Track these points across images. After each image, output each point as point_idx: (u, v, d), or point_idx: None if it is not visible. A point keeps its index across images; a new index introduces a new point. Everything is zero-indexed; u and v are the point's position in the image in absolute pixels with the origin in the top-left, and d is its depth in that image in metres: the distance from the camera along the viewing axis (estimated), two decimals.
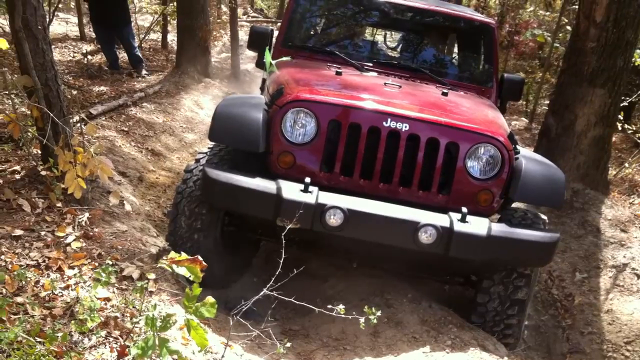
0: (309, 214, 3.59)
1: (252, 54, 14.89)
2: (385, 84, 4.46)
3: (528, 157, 4.11)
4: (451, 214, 3.74)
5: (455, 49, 6.72)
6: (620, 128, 8.25)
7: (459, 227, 3.64)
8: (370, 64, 5.16)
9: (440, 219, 3.69)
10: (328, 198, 3.65)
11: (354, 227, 3.65)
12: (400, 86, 4.47)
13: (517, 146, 4.12)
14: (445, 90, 4.58)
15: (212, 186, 3.80)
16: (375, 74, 4.97)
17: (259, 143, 3.87)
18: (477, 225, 3.69)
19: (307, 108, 3.90)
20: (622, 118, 7.98)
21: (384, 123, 3.84)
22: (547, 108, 7.97)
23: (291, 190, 3.64)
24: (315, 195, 3.63)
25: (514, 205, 4.38)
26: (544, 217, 4.33)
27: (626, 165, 7.99)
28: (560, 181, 4.05)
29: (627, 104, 8.85)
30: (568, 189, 6.34)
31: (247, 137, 3.90)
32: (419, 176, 3.91)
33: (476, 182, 3.94)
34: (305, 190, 3.64)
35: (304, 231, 3.67)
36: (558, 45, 11.99)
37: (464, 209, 3.74)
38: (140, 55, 11.30)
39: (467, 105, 4.59)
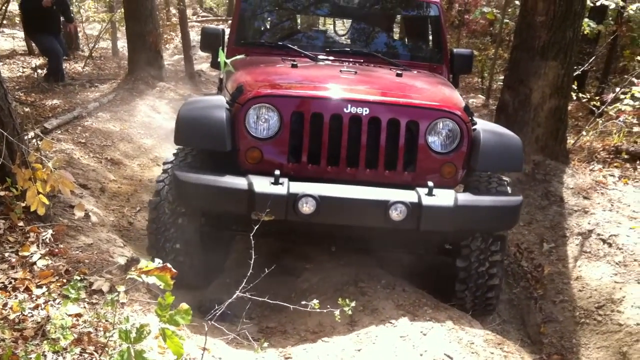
0: (282, 205, 3.69)
1: (205, 54, 14.80)
2: (341, 71, 4.55)
3: (485, 127, 4.25)
4: (418, 189, 3.88)
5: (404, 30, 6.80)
6: (575, 97, 8.37)
7: (426, 201, 3.78)
8: (324, 54, 5.23)
9: (409, 195, 3.82)
10: (299, 187, 3.75)
11: (327, 212, 3.75)
12: (355, 72, 4.56)
13: (474, 118, 4.25)
14: (399, 72, 4.71)
15: (185, 188, 3.89)
16: (329, 62, 5.04)
17: (225, 142, 3.94)
18: (444, 198, 3.84)
19: (268, 103, 3.98)
20: (576, 87, 8.11)
21: (345, 109, 3.94)
22: (502, 84, 8.04)
23: (262, 184, 3.73)
24: (287, 186, 3.73)
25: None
26: (506, 178, 4.50)
27: (583, 133, 8.10)
28: (518, 146, 4.24)
29: (579, 73, 8.98)
30: (529, 162, 6.43)
31: (212, 137, 3.96)
32: (384, 157, 4.02)
33: (439, 157, 4.08)
34: (276, 182, 3.74)
35: (279, 222, 3.74)
36: (508, 20, 12.12)
37: (430, 183, 3.87)
38: None
39: (421, 83, 4.73)
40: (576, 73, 7.73)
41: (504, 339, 3.92)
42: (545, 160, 6.60)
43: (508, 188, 4.39)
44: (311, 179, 3.93)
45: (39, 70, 10.88)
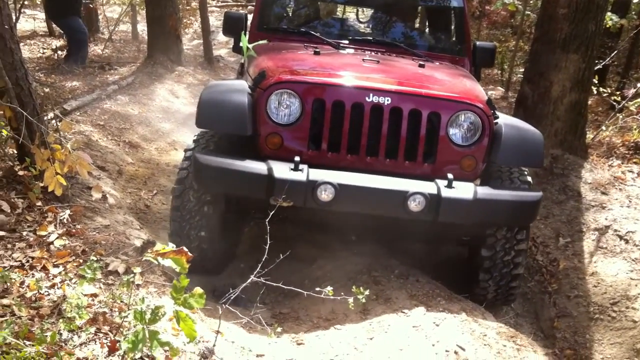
0: (301, 191, 3.70)
1: (224, 39, 14.83)
2: (363, 60, 4.54)
3: (506, 121, 4.23)
4: (438, 181, 3.87)
5: (427, 21, 6.77)
6: (595, 92, 8.30)
7: (446, 193, 3.77)
8: (346, 42, 5.20)
9: (428, 187, 3.81)
10: (318, 174, 3.75)
11: (346, 200, 3.76)
12: (378, 61, 4.54)
13: (496, 111, 4.22)
14: (421, 62, 4.67)
15: (205, 171, 3.89)
16: (351, 51, 5.02)
17: (246, 126, 3.95)
18: (463, 190, 3.83)
19: (290, 89, 3.98)
20: (596, 81, 8.03)
21: (367, 98, 3.94)
22: (522, 76, 7.99)
23: (282, 170, 3.74)
24: (306, 173, 3.73)
25: None
26: (525, 170, 4.48)
27: (603, 128, 8.04)
28: (539, 142, 4.20)
29: (601, 67, 8.90)
30: (547, 156, 6.38)
31: (234, 121, 3.97)
32: (404, 147, 4.01)
33: (459, 149, 4.06)
34: (296, 169, 3.75)
35: (297, 209, 3.77)
36: (529, 12, 12.01)
37: (450, 175, 3.85)
38: None
39: (444, 75, 4.70)
40: (597, 67, 7.66)
41: (517, 332, 3.92)
42: (563, 154, 6.55)
43: (529, 178, 4.37)
44: (330, 166, 3.93)
45: (59, 52, 10.93)
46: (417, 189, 3.76)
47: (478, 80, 5.14)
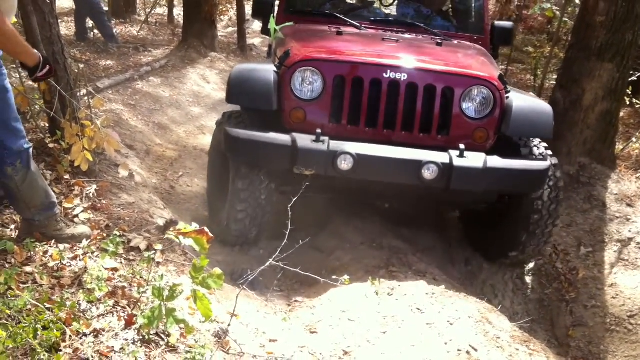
0: (322, 161, 3.98)
1: (258, 28, 14.82)
2: (383, 39, 4.82)
3: (517, 95, 4.46)
4: (450, 151, 4.10)
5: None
6: (628, 103, 8.19)
7: (458, 162, 4.02)
8: (368, 23, 5.41)
9: (441, 157, 4.06)
10: (338, 145, 4.03)
11: (364, 169, 4.03)
12: (397, 40, 4.82)
13: (507, 86, 4.42)
14: (439, 41, 4.92)
15: (235, 143, 4.18)
16: (373, 31, 5.24)
17: (272, 102, 4.24)
18: (474, 160, 4.07)
19: (313, 67, 4.25)
20: (630, 93, 7.93)
21: (384, 75, 4.20)
22: (555, 83, 7.90)
23: (305, 141, 4.03)
24: (327, 144, 4.00)
25: None
26: (536, 142, 4.63)
27: (633, 140, 7.93)
28: (548, 114, 4.43)
29: (635, 79, 8.78)
30: (574, 164, 6.33)
31: (261, 97, 4.26)
32: (419, 120, 4.26)
33: (472, 122, 4.32)
34: (318, 140, 4.01)
35: (319, 178, 4.04)
36: (567, 19, 11.87)
37: (462, 146, 4.08)
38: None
39: (459, 52, 4.96)
40: (632, 78, 7.56)
41: (531, 337, 3.90)
42: (591, 163, 6.48)
43: (535, 150, 4.52)
44: (350, 138, 4.17)
45: (95, 31, 11.03)
46: (430, 158, 4.02)
47: (495, 58, 5.37)
